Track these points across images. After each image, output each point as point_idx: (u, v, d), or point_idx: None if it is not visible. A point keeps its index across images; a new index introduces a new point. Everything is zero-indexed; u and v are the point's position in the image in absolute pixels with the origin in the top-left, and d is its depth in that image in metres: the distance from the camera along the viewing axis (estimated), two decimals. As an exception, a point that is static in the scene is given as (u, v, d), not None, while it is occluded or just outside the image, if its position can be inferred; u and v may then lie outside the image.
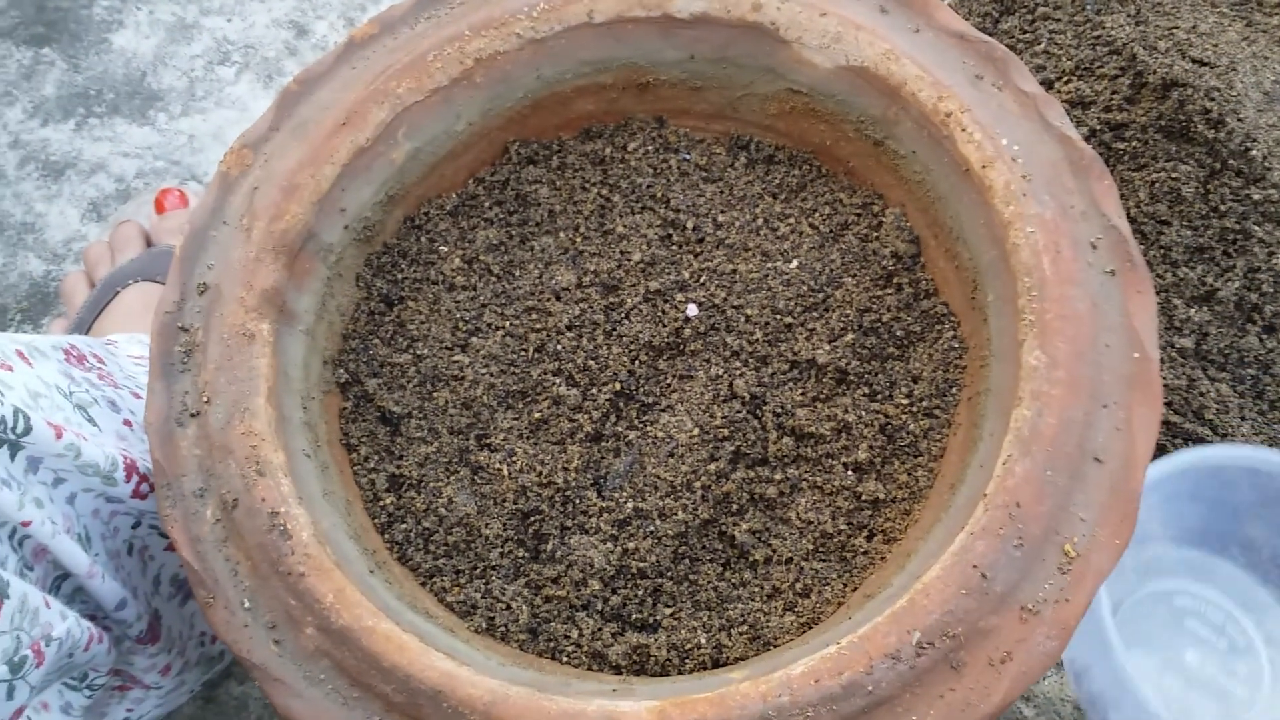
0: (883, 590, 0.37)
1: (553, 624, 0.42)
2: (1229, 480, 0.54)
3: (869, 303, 0.47)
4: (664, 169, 0.51)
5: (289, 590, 0.36)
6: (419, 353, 0.47)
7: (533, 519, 0.44)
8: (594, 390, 0.47)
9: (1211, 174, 0.57)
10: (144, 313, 0.62)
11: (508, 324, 0.48)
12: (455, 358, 0.47)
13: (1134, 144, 0.58)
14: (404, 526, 0.44)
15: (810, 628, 0.41)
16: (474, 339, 0.48)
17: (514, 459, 0.45)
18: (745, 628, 0.41)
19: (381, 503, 0.44)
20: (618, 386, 0.46)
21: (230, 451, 0.39)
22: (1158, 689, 0.53)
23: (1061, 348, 0.37)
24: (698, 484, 0.44)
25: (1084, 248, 0.39)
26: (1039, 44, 0.63)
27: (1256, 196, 0.56)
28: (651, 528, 0.43)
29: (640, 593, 0.43)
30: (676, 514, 0.44)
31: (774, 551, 0.44)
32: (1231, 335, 0.57)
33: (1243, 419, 0.56)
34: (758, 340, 0.47)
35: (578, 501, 0.44)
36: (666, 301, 0.48)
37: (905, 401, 0.45)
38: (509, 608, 0.42)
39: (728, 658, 0.41)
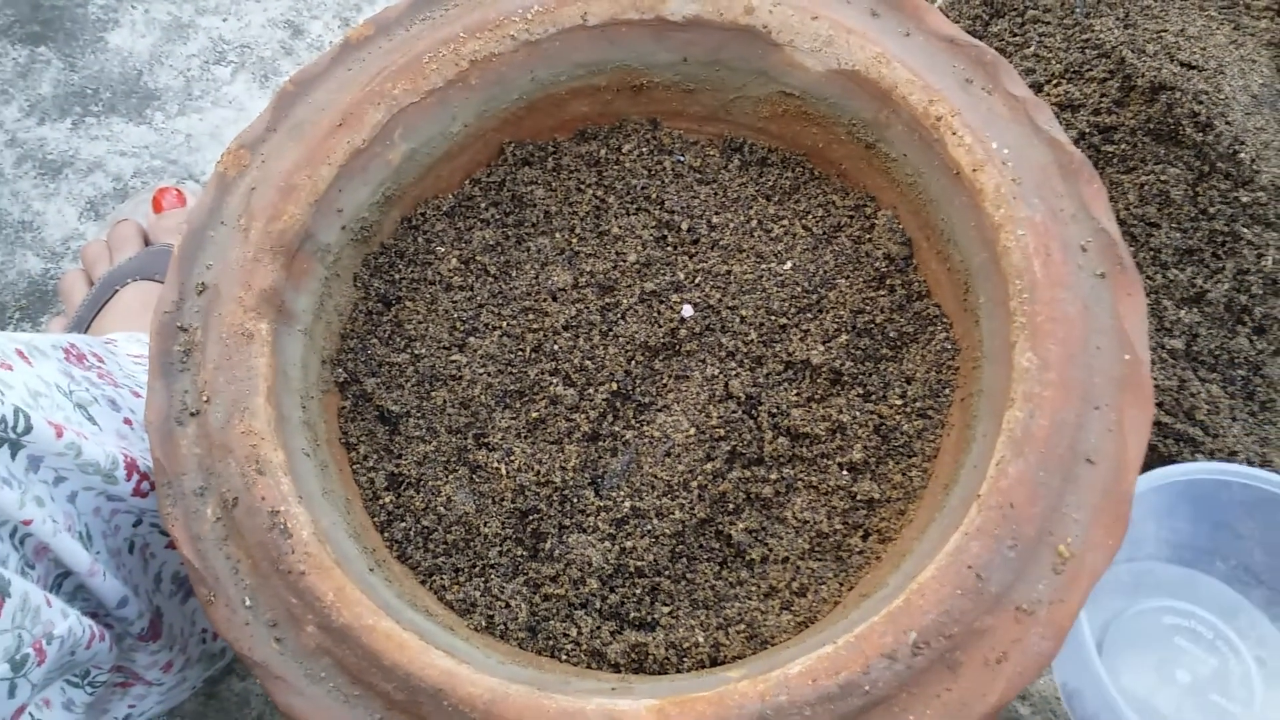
0: (879, 590, 0.37)
1: (551, 622, 0.42)
2: (1209, 494, 0.54)
3: (862, 304, 0.47)
4: (658, 171, 0.52)
5: (289, 588, 0.37)
6: (417, 352, 0.48)
7: (531, 518, 0.44)
8: (591, 390, 0.47)
9: (1200, 176, 0.57)
10: (143, 311, 0.62)
11: (505, 324, 0.48)
12: (453, 357, 0.48)
13: (1123, 147, 0.58)
14: (403, 525, 0.44)
15: (807, 627, 0.41)
16: (471, 339, 0.48)
17: (512, 458, 0.45)
18: (742, 626, 0.41)
19: (381, 501, 0.44)
20: (614, 386, 0.47)
21: (230, 450, 0.39)
22: (1151, 711, 0.53)
23: (1053, 350, 0.37)
24: (694, 483, 0.44)
25: (1074, 250, 0.40)
26: (1028, 47, 0.63)
27: (1245, 199, 0.56)
28: (649, 527, 0.44)
29: (638, 591, 0.43)
30: (673, 513, 0.44)
31: (770, 551, 0.44)
32: (1221, 336, 0.57)
33: (1233, 420, 0.57)
34: (753, 341, 0.47)
35: (575, 500, 0.45)
36: (662, 302, 0.49)
37: (899, 402, 0.45)
38: (508, 606, 0.42)
39: (725, 656, 0.41)
